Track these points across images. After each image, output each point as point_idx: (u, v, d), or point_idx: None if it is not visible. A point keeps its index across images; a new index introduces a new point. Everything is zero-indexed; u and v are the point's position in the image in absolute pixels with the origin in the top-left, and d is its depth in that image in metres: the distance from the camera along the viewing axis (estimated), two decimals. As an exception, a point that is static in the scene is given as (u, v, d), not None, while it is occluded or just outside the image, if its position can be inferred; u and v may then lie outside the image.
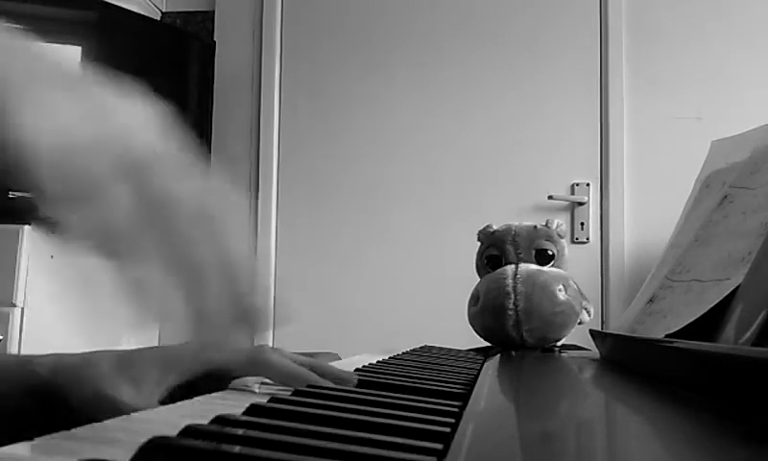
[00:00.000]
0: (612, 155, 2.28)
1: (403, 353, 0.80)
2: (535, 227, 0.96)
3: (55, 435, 0.28)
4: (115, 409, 0.35)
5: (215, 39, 2.50)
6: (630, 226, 2.27)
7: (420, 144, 2.41)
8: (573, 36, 2.35)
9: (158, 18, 2.54)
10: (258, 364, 0.51)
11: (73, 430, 0.29)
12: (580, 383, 0.61)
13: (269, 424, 0.31)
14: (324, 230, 2.44)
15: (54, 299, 1.86)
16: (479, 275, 0.99)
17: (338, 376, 0.51)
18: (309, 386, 0.44)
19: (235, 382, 0.53)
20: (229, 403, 0.43)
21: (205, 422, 0.30)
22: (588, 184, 2.31)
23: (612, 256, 2.26)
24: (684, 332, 0.53)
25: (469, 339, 0.99)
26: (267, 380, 0.53)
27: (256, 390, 0.50)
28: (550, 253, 0.94)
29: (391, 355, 0.76)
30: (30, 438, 0.27)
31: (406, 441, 0.29)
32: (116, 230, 0.25)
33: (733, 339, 0.44)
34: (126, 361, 0.48)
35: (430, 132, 2.41)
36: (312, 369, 0.52)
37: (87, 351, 0.48)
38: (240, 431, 0.29)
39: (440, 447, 0.28)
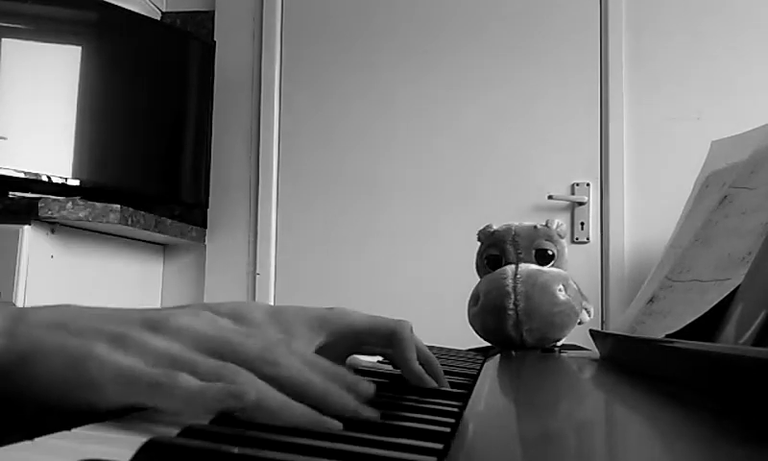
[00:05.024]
0: (612, 155, 2.28)
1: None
2: (535, 227, 0.96)
3: (55, 435, 0.28)
4: None
5: (215, 39, 2.50)
6: (630, 226, 2.27)
7: (420, 144, 2.41)
8: (573, 36, 2.35)
9: (158, 18, 2.54)
10: (396, 340, 0.49)
11: (73, 430, 0.29)
12: (580, 383, 0.61)
13: (269, 424, 0.31)
14: (324, 230, 2.44)
15: (54, 299, 1.86)
16: (479, 275, 0.99)
17: (428, 383, 0.48)
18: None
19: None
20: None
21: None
22: (588, 184, 2.31)
23: (612, 256, 2.26)
24: (684, 332, 0.53)
25: (469, 339, 0.99)
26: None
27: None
28: (550, 253, 0.94)
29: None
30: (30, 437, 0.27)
31: (406, 441, 0.29)
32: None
33: (733, 339, 0.44)
34: (278, 315, 0.48)
35: (430, 131, 2.41)
36: (428, 363, 0.50)
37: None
38: (240, 431, 0.29)
39: (440, 447, 0.28)
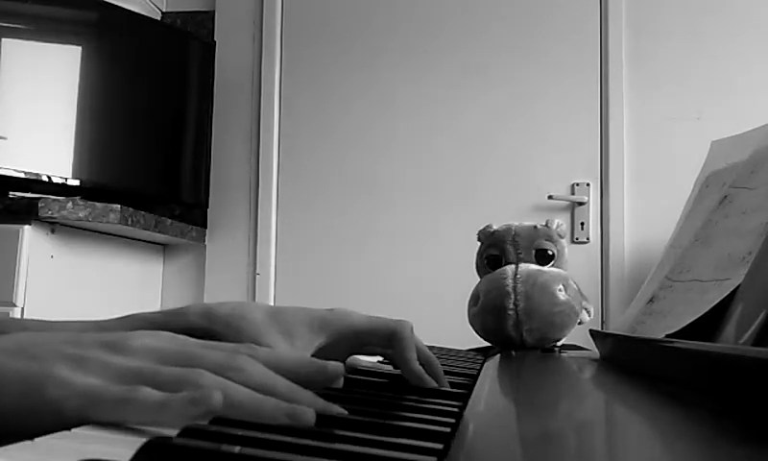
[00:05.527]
0: (613, 155, 2.28)
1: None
2: (535, 227, 0.96)
3: (55, 435, 0.28)
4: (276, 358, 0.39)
5: (215, 39, 2.49)
6: (630, 226, 2.27)
7: (420, 144, 2.41)
8: (573, 36, 2.35)
9: (158, 18, 2.54)
10: (396, 340, 0.49)
11: (73, 430, 0.29)
12: (580, 383, 0.61)
13: (269, 424, 0.31)
14: (324, 230, 2.44)
15: (54, 299, 1.86)
16: (479, 275, 0.99)
17: (428, 384, 0.48)
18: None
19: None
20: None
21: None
22: (588, 184, 2.31)
23: (612, 256, 2.26)
24: (684, 332, 0.53)
25: (469, 339, 0.99)
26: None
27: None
28: (550, 253, 0.94)
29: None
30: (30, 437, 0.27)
31: (406, 441, 0.29)
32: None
33: (733, 339, 0.44)
34: (278, 315, 0.50)
35: (430, 131, 2.40)
36: (428, 363, 0.50)
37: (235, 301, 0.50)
38: (240, 431, 0.29)
39: (440, 447, 0.28)
